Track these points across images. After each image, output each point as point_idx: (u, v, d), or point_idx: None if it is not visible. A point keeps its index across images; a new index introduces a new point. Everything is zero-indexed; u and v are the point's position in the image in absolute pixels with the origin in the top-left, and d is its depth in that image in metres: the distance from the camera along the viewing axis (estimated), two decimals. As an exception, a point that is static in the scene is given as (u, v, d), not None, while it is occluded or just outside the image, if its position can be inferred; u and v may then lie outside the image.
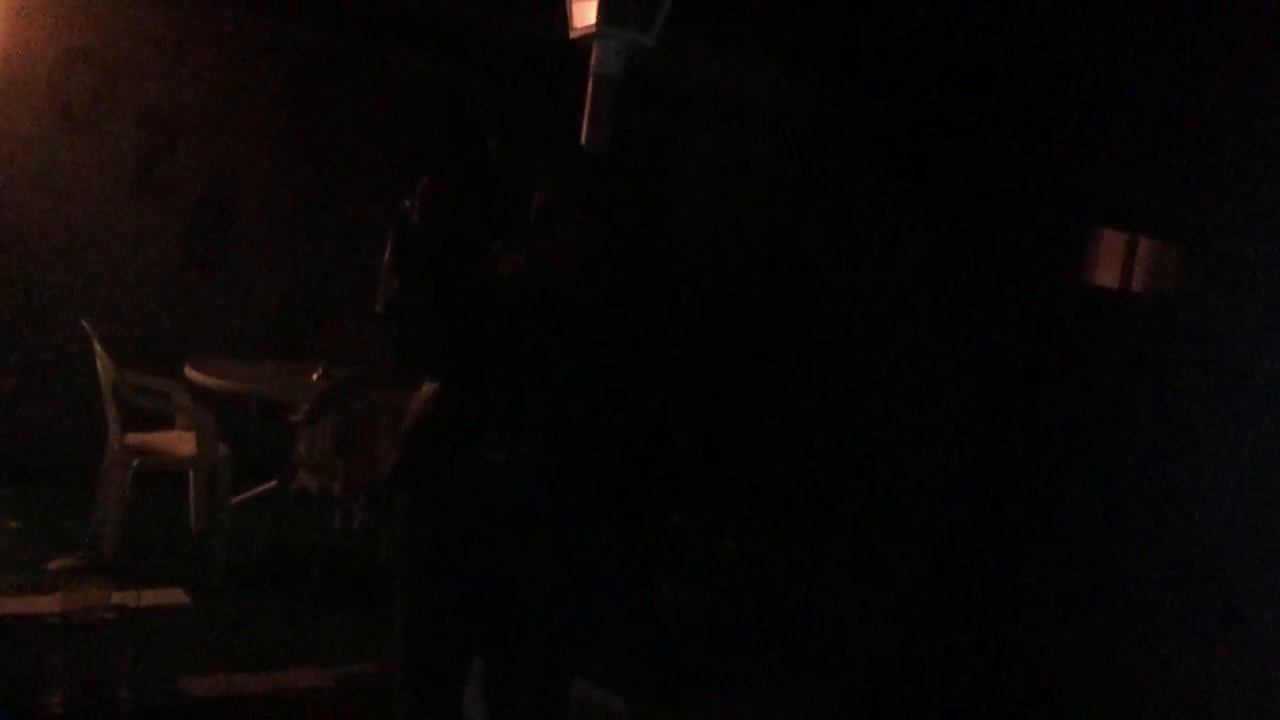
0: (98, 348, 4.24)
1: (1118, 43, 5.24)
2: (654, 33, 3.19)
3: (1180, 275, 6.39)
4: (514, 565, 2.18)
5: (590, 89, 3.14)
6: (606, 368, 2.17)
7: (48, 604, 2.87)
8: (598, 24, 3.09)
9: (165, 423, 4.55)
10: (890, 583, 4.82)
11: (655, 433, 2.30)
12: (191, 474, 4.55)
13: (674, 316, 2.22)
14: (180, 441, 4.46)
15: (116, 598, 2.90)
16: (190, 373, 4.43)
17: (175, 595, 3.12)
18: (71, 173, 5.19)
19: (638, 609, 4.29)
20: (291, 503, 4.69)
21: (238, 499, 4.58)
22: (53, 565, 2.90)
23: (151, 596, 3.02)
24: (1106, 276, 6.52)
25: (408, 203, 2.16)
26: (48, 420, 5.02)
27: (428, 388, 2.20)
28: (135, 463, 4.19)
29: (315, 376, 4.63)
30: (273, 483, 4.69)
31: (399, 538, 2.28)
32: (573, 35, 3.22)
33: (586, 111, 3.15)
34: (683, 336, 2.28)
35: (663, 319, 2.21)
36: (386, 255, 2.17)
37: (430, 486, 2.20)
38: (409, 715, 2.26)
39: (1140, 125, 5.63)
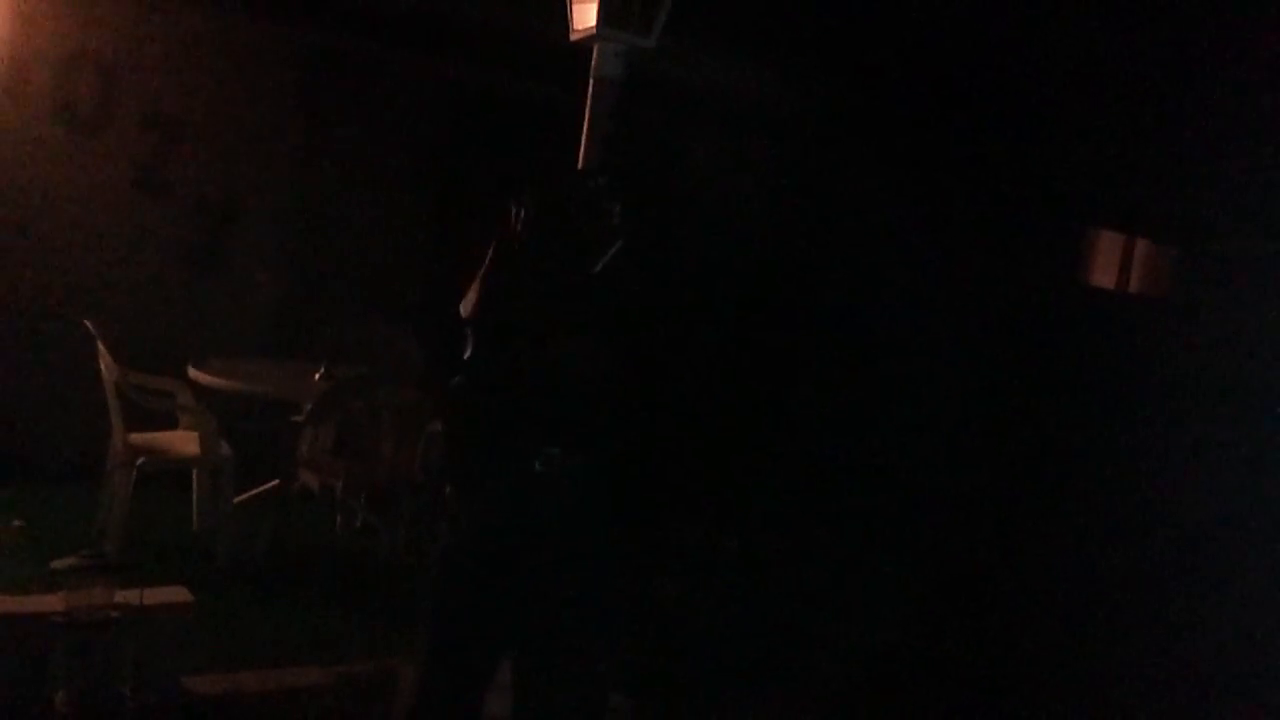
0: (101, 348, 4.26)
1: (1116, 41, 5.25)
2: (654, 35, 3.20)
3: (1177, 277, 6.40)
4: (550, 571, 2.19)
5: (590, 91, 3.15)
6: (642, 381, 2.19)
7: (51, 603, 2.88)
8: (598, 26, 3.10)
9: (169, 422, 4.57)
10: (890, 582, 4.83)
11: (677, 441, 2.31)
12: (195, 473, 4.57)
13: (700, 324, 2.24)
14: (184, 441, 4.48)
15: (120, 596, 2.92)
16: (193, 373, 4.46)
17: (178, 594, 3.13)
18: (75, 173, 5.20)
19: (640, 606, 4.30)
20: (294, 502, 4.71)
21: (240, 498, 4.60)
22: (56, 564, 2.91)
23: (154, 595, 3.03)
24: (1103, 277, 6.52)
25: (513, 211, 2.17)
26: (51, 420, 5.04)
27: (471, 394, 2.21)
28: (139, 462, 4.21)
29: (317, 376, 4.65)
30: (275, 482, 4.71)
31: (441, 542, 2.29)
32: (573, 37, 3.23)
33: (587, 114, 3.16)
34: (704, 342, 2.30)
35: (690, 328, 2.23)
36: (486, 264, 2.19)
37: (476, 493, 2.22)
38: (422, 712, 2.27)
39: (1138, 125, 5.64)
